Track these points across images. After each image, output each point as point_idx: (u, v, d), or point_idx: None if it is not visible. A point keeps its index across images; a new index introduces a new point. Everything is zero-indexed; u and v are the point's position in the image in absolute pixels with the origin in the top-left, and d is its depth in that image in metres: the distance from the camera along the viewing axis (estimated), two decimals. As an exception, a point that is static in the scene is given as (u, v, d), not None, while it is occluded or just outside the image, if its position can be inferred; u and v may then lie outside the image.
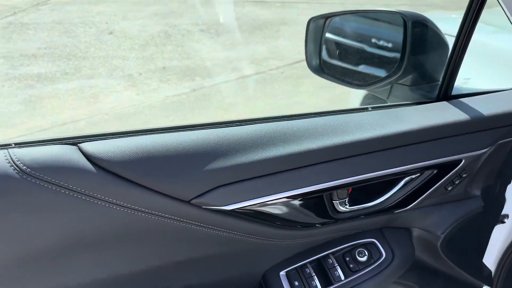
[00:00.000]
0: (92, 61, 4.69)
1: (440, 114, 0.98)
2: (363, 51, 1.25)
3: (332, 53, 1.27)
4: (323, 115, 0.94)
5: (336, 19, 1.24)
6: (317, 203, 0.93)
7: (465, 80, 1.13)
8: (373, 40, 1.22)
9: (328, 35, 1.25)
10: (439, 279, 1.22)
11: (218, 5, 7.33)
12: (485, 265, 1.33)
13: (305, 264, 1.02)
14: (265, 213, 0.87)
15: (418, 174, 0.98)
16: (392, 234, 1.07)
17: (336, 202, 0.94)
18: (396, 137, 0.92)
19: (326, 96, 4.03)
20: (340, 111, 0.98)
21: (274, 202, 0.85)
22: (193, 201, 0.77)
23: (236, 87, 4.50)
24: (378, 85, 1.16)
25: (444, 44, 1.08)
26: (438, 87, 1.04)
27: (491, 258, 1.62)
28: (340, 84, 1.25)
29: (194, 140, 0.77)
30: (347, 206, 0.97)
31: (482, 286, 1.34)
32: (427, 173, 0.99)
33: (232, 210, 0.81)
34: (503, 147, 1.06)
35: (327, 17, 1.24)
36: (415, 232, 1.11)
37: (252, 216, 0.85)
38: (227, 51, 5.56)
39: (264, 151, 0.81)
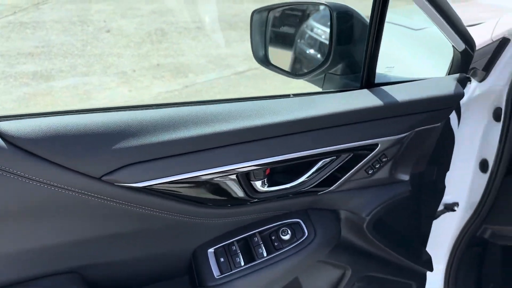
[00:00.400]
0: (87, 58, 4.79)
1: (359, 100, 1.03)
2: (302, 41, 1.30)
3: (275, 44, 1.33)
4: (243, 101, 1.00)
5: (278, 11, 1.30)
6: (233, 183, 0.98)
7: (388, 68, 1.18)
8: (311, 31, 1.27)
9: (271, 27, 1.31)
10: (372, 261, 1.26)
11: (217, 2, 7.40)
12: (425, 250, 1.38)
13: (232, 242, 1.08)
14: (180, 191, 0.92)
15: (335, 157, 1.04)
16: (317, 214, 1.12)
17: (254, 183, 1.01)
18: (311, 120, 0.97)
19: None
20: (261, 97, 1.03)
21: (187, 181, 0.90)
22: (104, 178, 0.82)
23: (229, 83, 4.56)
24: (311, 74, 1.21)
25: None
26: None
27: (444, 246, 1.67)
28: (282, 74, 1.31)
29: (105, 122, 0.83)
30: (267, 187, 1.03)
31: (422, 271, 1.39)
32: (344, 156, 1.04)
33: (145, 188, 0.86)
34: (423, 133, 1.10)
35: (269, 9, 1.29)
36: (342, 214, 1.16)
37: (168, 194, 0.91)
38: (222, 48, 5.64)
39: (175, 132, 0.86)
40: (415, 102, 1.05)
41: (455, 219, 1.60)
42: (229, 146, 0.92)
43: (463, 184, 1.51)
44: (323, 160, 1.02)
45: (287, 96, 1.05)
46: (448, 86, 1.09)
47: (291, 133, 0.96)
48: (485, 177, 1.40)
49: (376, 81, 1.12)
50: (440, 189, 1.37)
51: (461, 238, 1.60)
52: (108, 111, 0.86)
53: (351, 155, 1.04)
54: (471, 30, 1.44)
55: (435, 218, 1.53)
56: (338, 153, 1.03)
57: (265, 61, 1.32)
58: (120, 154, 0.83)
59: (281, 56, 1.34)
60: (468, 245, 1.61)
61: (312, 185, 1.05)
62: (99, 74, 4.48)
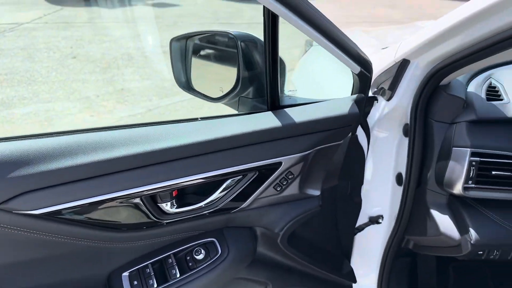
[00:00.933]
0: (51, 85, 4.81)
1: (263, 122, 1.09)
2: (218, 67, 1.37)
3: (195, 70, 1.40)
4: (148, 126, 1.05)
5: (196, 38, 1.37)
6: (139, 206, 1.01)
7: (291, 92, 1.26)
8: (225, 58, 1.35)
9: (190, 54, 1.38)
10: (293, 276, 1.32)
11: (184, 27, 7.52)
12: (346, 262, 1.44)
13: (147, 265, 1.12)
14: (86, 216, 0.95)
15: (241, 176, 1.10)
16: (232, 232, 1.17)
17: (162, 205, 1.05)
18: (215, 142, 1.03)
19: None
20: (169, 122, 1.09)
21: (92, 206, 0.94)
22: (1, 207, 0.87)
23: (192, 105, 4.62)
24: (226, 99, 1.28)
25: None
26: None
27: (374, 257, 1.73)
28: (202, 98, 1.37)
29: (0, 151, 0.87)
30: (176, 208, 1.08)
31: (348, 283, 1.44)
32: (250, 175, 1.10)
33: (46, 214, 0.90)
34: (327, 150, 1.17)
35: (187, 37, 1.37)
36: (258, 230, 1.21)
37: (73, 220, 0.94)
38: (188, 71, 5.72)
39: (74, 158, 0.90)
40: (314, 122, 1.12)
41: (380, 231, 1.66)
42: (132, 170, 0.97)
43: (385, 197, 1.58)
44: (231, 179, 1.08)
45: (195, 119, 1.11)
46: (345, 106, 1.16)
47: (195, 154, 1.02)
48: (401, 190, 1.47)
49: (283, 103, 1.19)
50: (356, 202, 1.44)
51: (388, 249, 1.66)
52: (5, 141, 0.91)
53: (256, 174, 1.10)
54: (383, 52, 1.54)
55: (360, 230, 1.59)
56: (244, 172, 1.08)
57: (186, 86, 1.38)
58: (17, 182, 0.86)
59: (202, 81, 1.40)
60: (396, 256, 1.68)
61: (222, 204, 1.11)
62: (62, 100, 4.49)
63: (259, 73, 1.22)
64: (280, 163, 1.11)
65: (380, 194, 1.62)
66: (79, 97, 4.58)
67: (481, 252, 1.28)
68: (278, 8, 0.92)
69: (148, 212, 1.03)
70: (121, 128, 1.01)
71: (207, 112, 4.40)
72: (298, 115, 1.13)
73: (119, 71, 5.38)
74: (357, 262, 1.51)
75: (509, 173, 1.22)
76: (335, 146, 1.19)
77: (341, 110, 1.15)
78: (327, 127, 1.14)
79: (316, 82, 1.90)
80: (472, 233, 1.24)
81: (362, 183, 1.44)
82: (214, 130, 1.05)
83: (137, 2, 9.82)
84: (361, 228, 1.60)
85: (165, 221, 1.07)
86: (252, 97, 1.26)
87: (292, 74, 2.40)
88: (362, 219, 1.59)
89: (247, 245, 1.18)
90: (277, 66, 1.08)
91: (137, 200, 1.00)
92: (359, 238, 1.62)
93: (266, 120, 1.11)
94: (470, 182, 1.22)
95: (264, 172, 1.11)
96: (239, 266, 1.16)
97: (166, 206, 1.05)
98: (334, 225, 1.38)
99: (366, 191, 1.53)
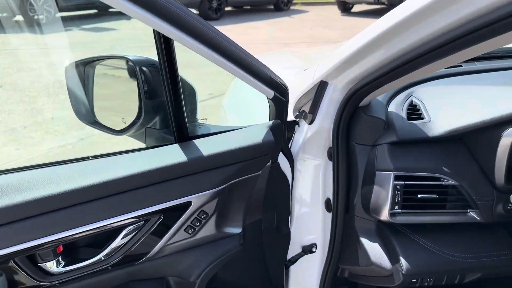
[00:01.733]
0: (-27, 118, 4.44)
1: (168, 156, 0.97)
2: (120, 96, 1.24)
3: (97, 100, 1.25)
4: (20, 171, 0.90)
5: (96, 64, 1.23)
6: (14, 270, 0.84)
7: (201, 121, 1.15)
8: (126, 85, 1.22)
9: (91, 81, 1.23)
10: None
11: (122, 51, 7.30)
12: None
13: None
14: None
15: (143, 222, 0.96)
16: (139, 287, 1.03)
17: (44, 265, 0.89)
18: (106, 185, 0.89)
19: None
20: (50, 164, 0.94)
21: None
22: None
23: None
24: (131, 130, 1.14)
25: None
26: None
27: (311, 288, 1.63)
28: (106, 132, 1.23)
29: None
30: (63, 266, 0.91)
31: None
32: (153, 219, 0.96)
33: None
34: (245, 183, 1.07)
35: (86, 63, 1.22)
36: (172, 280, 1.07)
37: None
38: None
39: None
40: (226, 154, 1.01)
41: (315, 261, 1.57)
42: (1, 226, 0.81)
43: (317, 224, 1.49)
44: (130, 227, 0.94)
45: (86, 158, 0.97)
46: (259, 135, 1.06)
47: (80, 202, 0.87)
48: (330, 217, 1.39)
49: (193, 133, 1.07)
50: (285, 234, 1.34)
51: (324, 280, 1.57)
52: None
53: (161, 218, 0.97)
54: (303, 74, 1.46)
55: (293, 262, 1.49)
56: (145, 216, 0.95)
57: (88, 119, 1.24)
58: None
59: (105, 112, 1.26)
60: (335, 285, 1.58)
61: (121, 257, 0.96)
62: (-16, 134, 4.15)
63: (164, 101, 1.09)
64: (189, 203, 0.99)
65: (311, 221, 1.53)
66: (4, 130, 4.25)
67: (415, 280, 1.21)
68: (172, 32, 0.81)
69: (27, 276, 0.86)
70: None
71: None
72: (208, 146, 1.01)
73: (49, 99, 5.09)
74: None
75: (435, 196, 1.16)
76: (253, 178, 1.09)
77: (255, 139, 1.05)
78: (240, 158, 1.03)
79: (244, 106, 1.81)
80: (403, 262, 1.17)
81: (289, 212, 1.34)
82: (106, 170, 0.91)
83: (72, 27, 9.50)
84: (294, 260, 1.50)
85: (53, 282, 0.91)
86: (159, 127, 1.13)
87: (222, 98, 2.30)
88: (294, 250, 1.49)
89: None
90: (179, 93, 0.97)
91: (10, 264, 0.83)
92: (293, 270, 1.51)
93: (172, 155, 0.98)
94: (396, 207, 1.16)
95: (172, 214, 0.98)
96: None
97: (51, 266, 0.89)
98: (262, 262, 1.26)
99: (296, 219, 1.43)
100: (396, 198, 1.15)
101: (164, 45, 0.88)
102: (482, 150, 1.19)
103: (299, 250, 1.56)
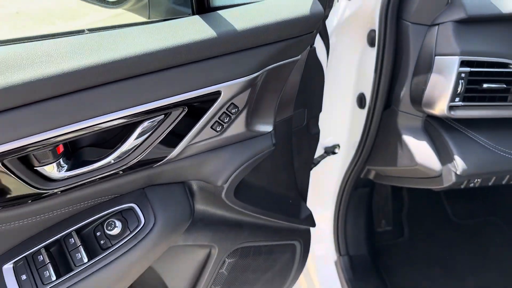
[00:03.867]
0: None
1: (188, 31, 0.73)
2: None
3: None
4: (9, 43, 0.67)
5: None
6: (6, 175, 0.66)
7: None
8: None
9: None
10: (243, 232, 1.03)
11: None
12: (304, 206, 1.18)
13: (39, 250, 0.78)
14: None
15: (162, 116, 0.75)
16: (158, 193, 0.84)
17: (43, 168, 0.70)
18: (113, 66, 0.66)
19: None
20: (40, 37, 0.70)
21: None
22: None
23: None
24: (130, 1, 0.88)
25: None
26: (191, -3, 0.79)
27: (329, 192, 1.51)
28: (96, 4, 0.97)
29: None
30: (65, 171, 0.72)
31: (304, 227, 1.21)
32: (175, 113, 0.75)
33: None
34: (280, 71, 0.85)
35: None
36: (195, 185, 0.90)
37: None
38: None
39: None
40: (263, 29, 0.78)
41: (337, 163, 1.43)
42: None
43: (342, 123, 1.32)
44: (148, 121, 0.73)
45: (81, 31, 0.73)
46: (304, 4, 0.82)
47: (79, 89, 0.66)
48: (363, 113, 1.21)
49: (215, 3, 0.83)
50: (314, 134, 1.16)
51: (346, 181, 1.44)
52: None
53: (185, 111, 0.76)
54: None
55: (315, 165, 1.34)
56: (165, 109, 0.74)
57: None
58: None
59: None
60: (354, 188, 1.47)
61: (140, 157, 0.77)
62: None
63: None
64: (218, 93, 0.77)
65: (336, 119, 1.35)
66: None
67: (464, 182, 1.08)
68: None
69: (22, 182, 0.68)
70: None
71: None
72: (238, 20, 0.78)
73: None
74: (311, 201, 1.27)
75: (503, 85, 0.98)
76: (290, 64, 0.87)
77: (300, 10, 0.81)
78: (280, 36, 0.81)
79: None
80: (458, 161, 1.02)
81: (320, 110, 1.15)
82: (109, 47, 0.68)
83: None
84: (317, 162, 1.35)
85: (55, 190, 0.72)
86: (168, -4, 0.87)
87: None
88: (317, 152, 1.33)
89: (182, 207, 0.87)
90: None
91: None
92: (313, 173, 1.38)
93: (192, 30, 0.75)
94: (457, 99, 0.97)
95: (196, 107, 0.77)
96: (172, 235, 0.85)
97: (51, 170, 0.70)
98: (290, 165, 1.09)
99: (321, 118, 1.25)
100: (459, 89, 0.96)
101: None
102: None
103: (320, 152, 1.40)
